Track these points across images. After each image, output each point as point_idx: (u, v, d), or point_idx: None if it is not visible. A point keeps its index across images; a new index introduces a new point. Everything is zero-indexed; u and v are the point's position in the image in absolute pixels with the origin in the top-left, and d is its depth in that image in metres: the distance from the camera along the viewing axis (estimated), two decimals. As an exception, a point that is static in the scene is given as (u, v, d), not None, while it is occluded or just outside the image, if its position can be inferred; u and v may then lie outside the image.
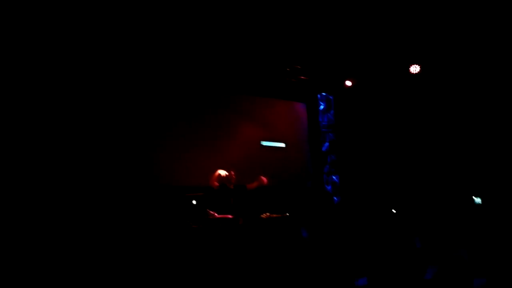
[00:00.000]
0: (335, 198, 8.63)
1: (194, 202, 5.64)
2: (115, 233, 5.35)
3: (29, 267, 4.49)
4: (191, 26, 5.89)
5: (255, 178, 5.85)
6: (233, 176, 5.74)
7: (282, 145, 8.09)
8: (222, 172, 5.67)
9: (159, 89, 6.95)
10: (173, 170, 6.86)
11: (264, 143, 7.92)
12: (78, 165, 5.75)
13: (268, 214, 6.02)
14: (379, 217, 7.27)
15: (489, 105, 7.07)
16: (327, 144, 8.86)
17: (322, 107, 8.94)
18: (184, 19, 5.68)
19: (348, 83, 8.17)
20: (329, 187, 8.72)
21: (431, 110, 7.79)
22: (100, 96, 6.13)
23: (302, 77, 8.08)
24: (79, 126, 5.86)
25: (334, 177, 8.74)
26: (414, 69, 7.32)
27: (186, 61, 6.85)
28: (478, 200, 7.17)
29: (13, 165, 5.29)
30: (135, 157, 6.41)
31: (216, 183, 5.63)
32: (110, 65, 6.21)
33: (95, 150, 5.96)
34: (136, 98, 6.61)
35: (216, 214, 5.47)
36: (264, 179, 5.84)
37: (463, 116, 7.36)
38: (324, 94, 8.94)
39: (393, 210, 7.53)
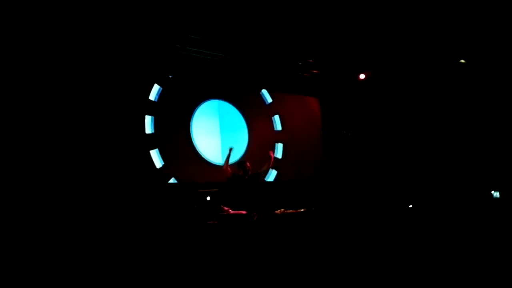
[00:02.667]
0: (349, 193, 8.49)
1: (208, 198, 5.61)
2: (130, 231, 5.34)
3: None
4: (200, 22, 5.90)
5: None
6: (249, 167, 5.79)
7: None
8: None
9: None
10: (185, 166, 6.82)
11: None
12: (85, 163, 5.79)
13: (282, 210, 5.97)
14: (396, 215, 7.14)
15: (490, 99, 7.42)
16: (340, 137, 8.74)
17: (335, 101, 8.81)
18: (198, 15, 5.70)
19: (362, 76, 8.06)
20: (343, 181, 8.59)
21: (445, 101, 7.76)
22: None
23: (315, 71, 7.96)
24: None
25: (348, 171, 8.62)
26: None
27: (197, 56, 6.82)
28: (496, 194, 7.26)
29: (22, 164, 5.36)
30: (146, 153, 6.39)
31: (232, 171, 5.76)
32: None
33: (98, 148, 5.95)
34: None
35: (230, 210, 5.43)
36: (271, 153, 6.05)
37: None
38: (337, 88, 8.80)
39: (409, 206, 7.42)
